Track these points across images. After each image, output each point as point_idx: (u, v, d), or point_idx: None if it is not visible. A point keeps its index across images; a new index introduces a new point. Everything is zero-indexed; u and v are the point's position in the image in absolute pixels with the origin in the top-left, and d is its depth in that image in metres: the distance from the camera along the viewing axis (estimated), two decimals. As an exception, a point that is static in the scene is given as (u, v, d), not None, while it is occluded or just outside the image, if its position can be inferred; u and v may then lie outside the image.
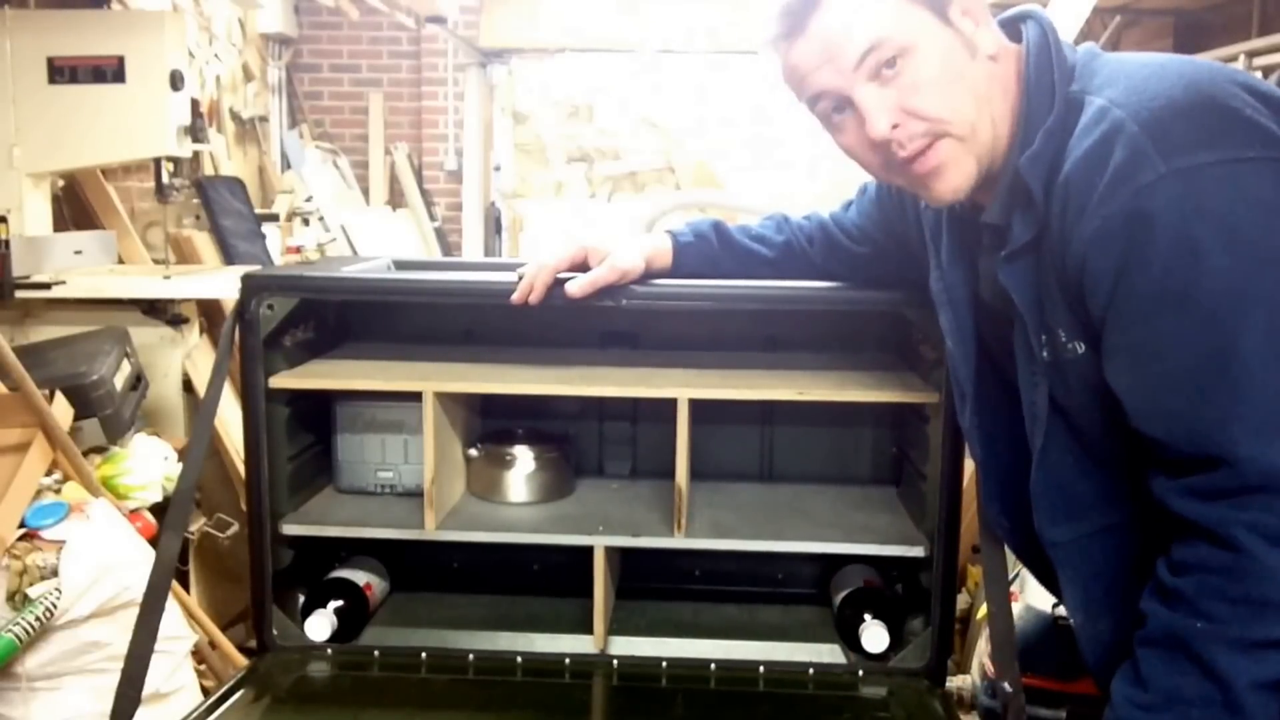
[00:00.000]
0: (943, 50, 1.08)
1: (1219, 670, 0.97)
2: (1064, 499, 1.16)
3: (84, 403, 2.72)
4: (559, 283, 1.47)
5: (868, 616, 1.56)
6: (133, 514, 2.63)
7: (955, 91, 1.09)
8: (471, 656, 1.59)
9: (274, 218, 4.77)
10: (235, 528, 3.09)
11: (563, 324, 1.79)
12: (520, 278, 1.49)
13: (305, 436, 1.72)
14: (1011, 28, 1.17)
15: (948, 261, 1.27)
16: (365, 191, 5.92)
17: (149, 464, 2.82)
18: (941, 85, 1.08)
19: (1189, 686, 0.98)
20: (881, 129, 1.09)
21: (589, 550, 1.59)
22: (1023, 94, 1.11)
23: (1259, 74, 3.21)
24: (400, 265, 1.85)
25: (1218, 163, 0.97)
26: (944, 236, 1.27)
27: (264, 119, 5.43)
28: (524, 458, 1.72)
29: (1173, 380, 1.00)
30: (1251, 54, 3.26)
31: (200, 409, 1.57)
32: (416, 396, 1.56)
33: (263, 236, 4.35)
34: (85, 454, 2.66)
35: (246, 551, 1.63)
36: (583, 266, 1.49)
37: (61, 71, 3.16)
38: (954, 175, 1.12)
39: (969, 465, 1.45)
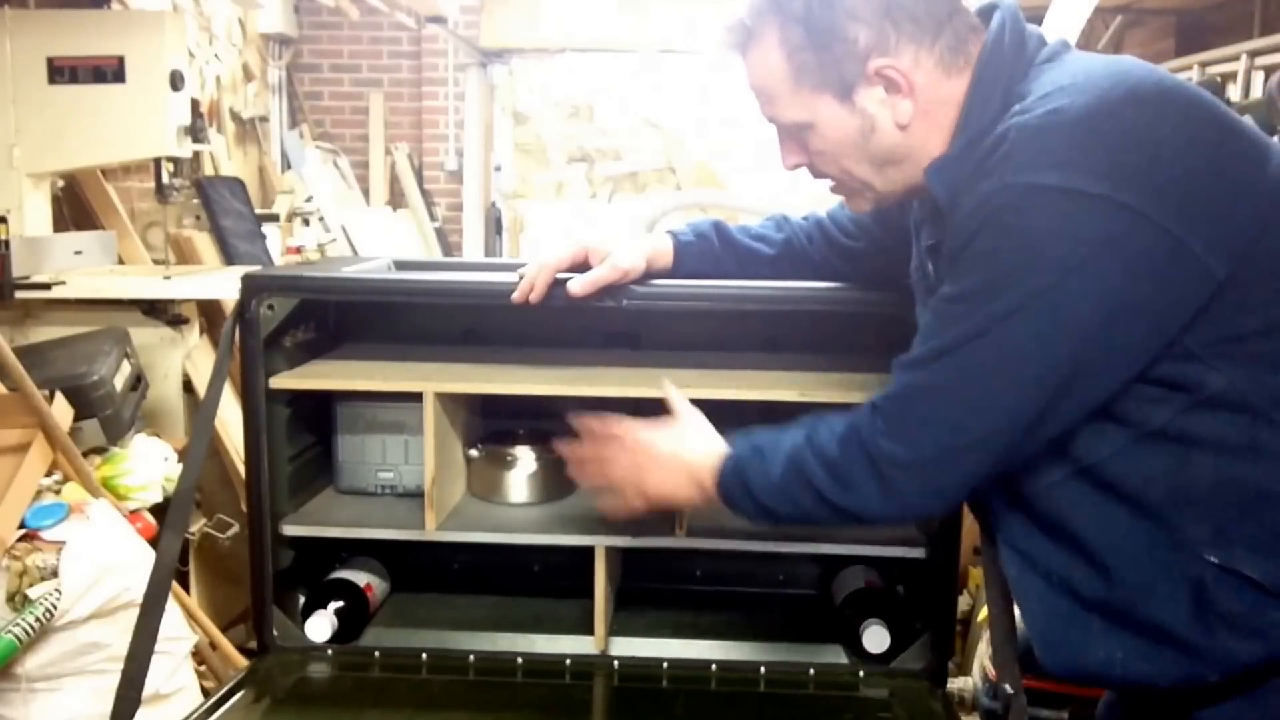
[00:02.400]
0: (837, 131, 1.17)
1: (786, 473, 1.21)
2: (1004, 477, 1.21)
3: (84, 403, 2.72)
4: (559, 282, 1.47)
5: (869, 617, 1.56)
6: (133, 514, 2.62)
7: (848, 161, 1.20)
8: (472, 657, 1.59)
9: (274, 218, 4.77)
10: (235, 528, 3.08)
11: (563, 324, 1.79)
12: (521, 278, 1.48)
13: (306, 437, 1.72)
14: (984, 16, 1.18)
15: (922, 249, 1.29)
16: (365, 192, 5.92)
17: (149, 464, 2.82)
18: (835, 157, 1.20)
19: (774, 463, 1.23)
20: (785, 167, 1.25)
21: (589, 551, 1.59)
22: (962, 115, 1.14)
23: (1261, 74, 3.21)
24: (401, 265, 1.85)
25: (1054, 188, 1.01)
26: (923, 226, 1.29)
27: (264, 119, 5.43)
28: (525, 458, 1.72)
29: (928, 323, 1.14)
30: (1253, 53, 3.26)
31: (200, 409, 1.57)
32: (417, 397, 1.56)
33: (263, 237, 4.35)
34: (85, 454, 2.65)
35: (247, 552, 1.63)
36: (583, 266, 1.49)
37: (61, 71, 3.15)
38: (853, 204, 1.29)
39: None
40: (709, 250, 1.55)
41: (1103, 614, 1.12)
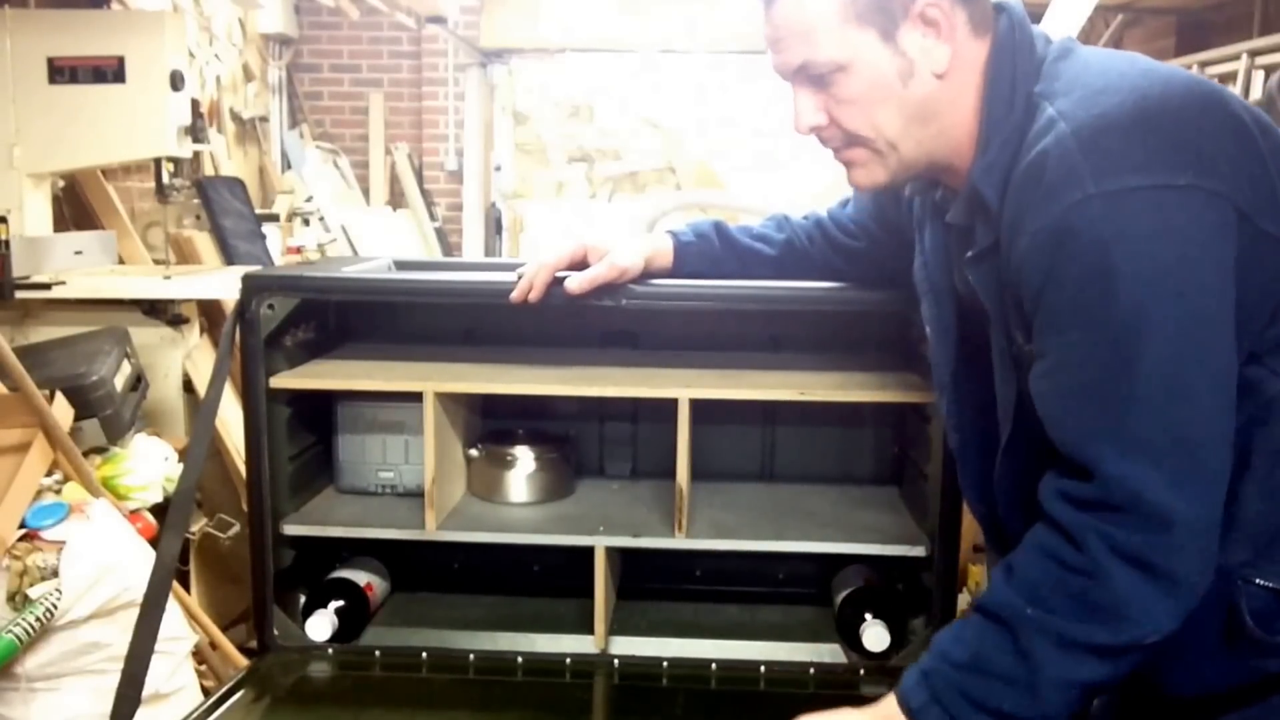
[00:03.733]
0: (876, 72, 1.10)
1: (1033, 657, 1.01)
2: (1024, 492, 1.17)
3: (84, 403, 2.72)
4: (559, 282, 1.47)
5: (869, 616, 1.56)
6: (133, 514, 2.62)
7: (881, 112, 1.12)
8: (472, 656, 1.59)
9: (274, 218, 4.77)
10: (236, 528, 3.09)
11: (563, 324, 1.79)
12: (520, 278, 1.49)
13: (306, 437, 1.72)
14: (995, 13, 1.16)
15: (930, 250, 1.28)
16: (365, 192, 5.92)
17: (149, 464, 2.82)
18: (867, 105, 1.11)
19: (1000, 662, 1.03)
20: (800, 129, 1.16)
21: (589, 550, 1.59)
22: (984, 96, 1.11)
23: (1261, 73, 3.21)
24: (401, 265, 1.85)
25: (1145, 188, 0.98)
26: (927, 225, 1.28)
27: (264, 119, 5.43)
28: (524, 458, 1.72)
29: (1071, 392, 1.03)
30: (1253, 53, 3.26)
31: (201, 409, 1.57)
32: (417, 397, 1.56)
33: (263, 237, 4.35)
34: (85, 454, 2.65)
35: (247, 552, 1.63)
36: (582, 265, 1.49)
37: (62, 72, 3.15)
38: (864, 176, 1.18)
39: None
40: (709, 250, 1.54)
41: None
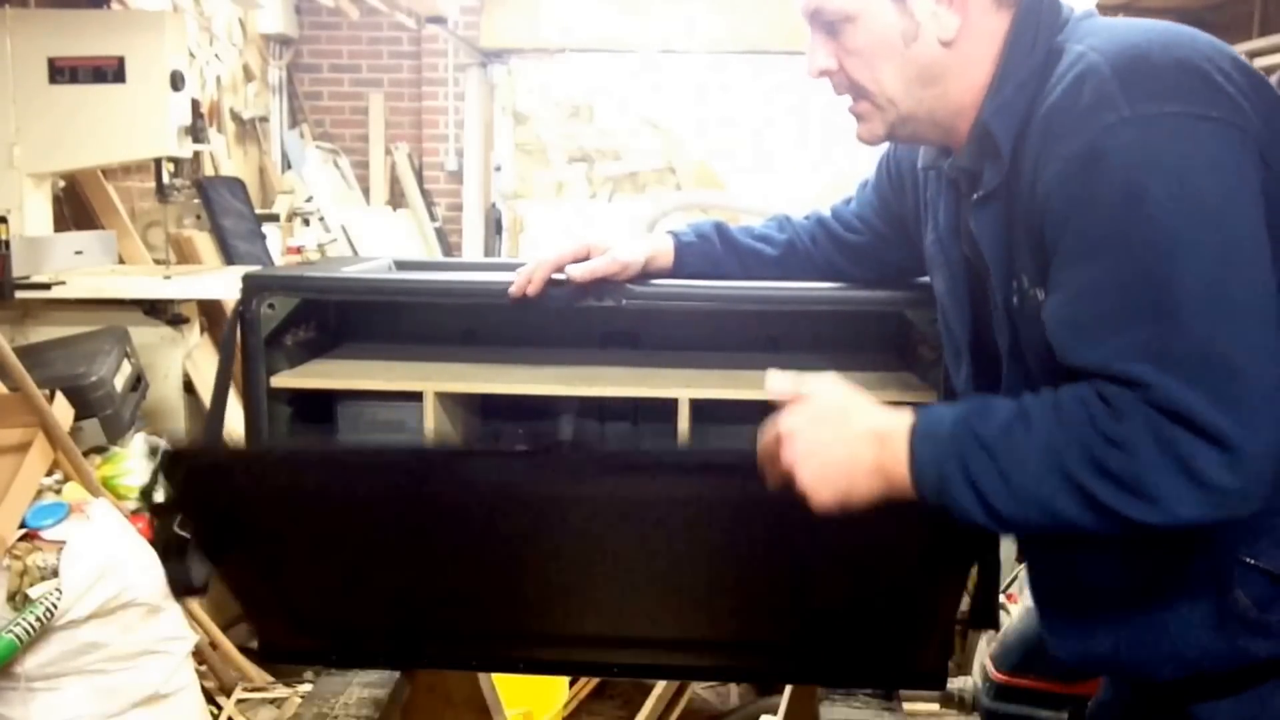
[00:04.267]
0: (881, 28, 1.12)
1: (1051, 444, 0.97)
2: None
3: (84, 403, 2.73)
4: (558, 281, 1.47)
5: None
6: (133, 514, 2.63)
7: (884, 68, 1.13)
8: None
9: (274, 218, 4.78)
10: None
11: (563, 324, 1.79)
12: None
13: (307, 436, 1.72)
14: None
15: (944, 222, 1.27)
16: (366, 192, 5.92)
17: (149, 464, 2.82)
18: (870, 59, 1.13)
19: (1021, 443, 0.98)
20: (810, 72, 1.18)
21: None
22: (1002, 55, 1.11)
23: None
24: (401, 265, 1.85)
25: (1180, 115, 0.97)
26: (941, 200, 1.27)
27: (264, 119, 5.44)
28: (525, 458, 1.72)
29: (1102, 317, 0.99)
30: (1253, 54, 3.26)
31: (210, 412, 1.57)
32: (417, 396, 1.56)
33: (263, 237, 4.35)
34: (85, 454, 2.66)
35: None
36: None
37: (62, 72, 3.16)
38: (866, 130, 1.20)
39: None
40: (710, 251, 1.54)
41: (1114, 603, 1.12)
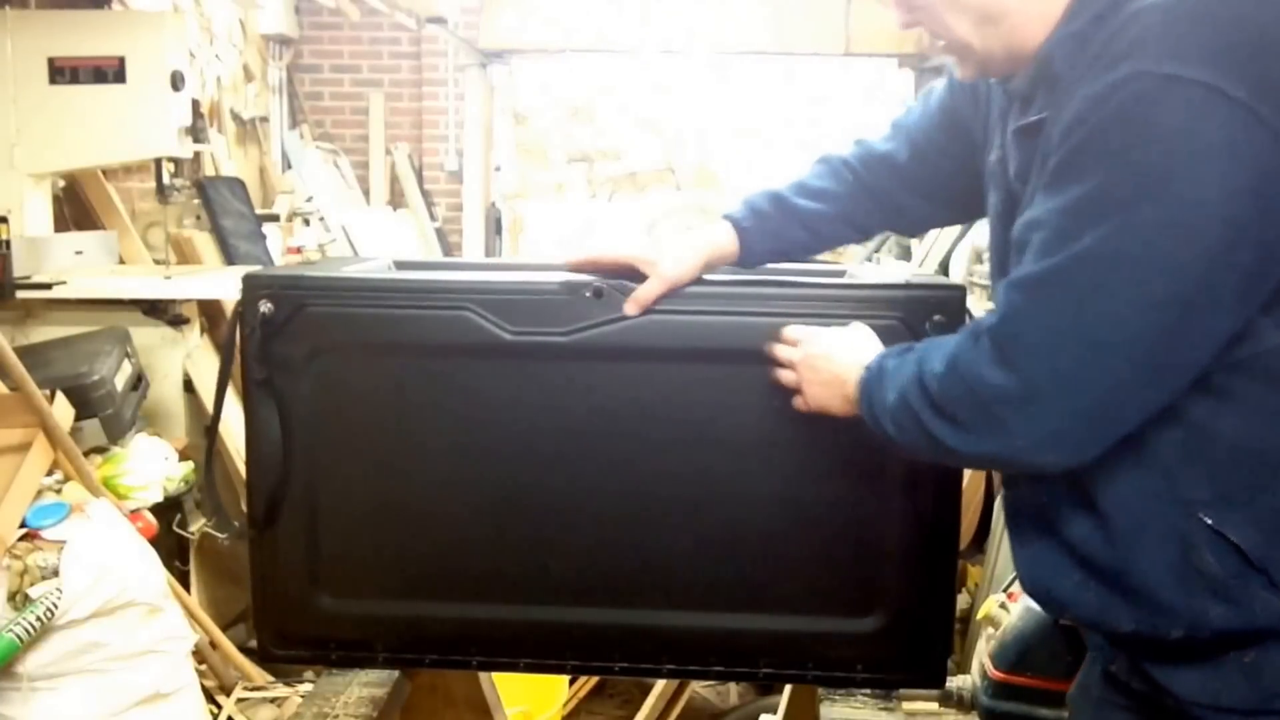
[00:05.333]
0: None
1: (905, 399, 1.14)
2: None
3: (85, 403, 2.73)
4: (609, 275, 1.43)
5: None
6: (133, 514, 2.63)
7: (947, 16, 1.14)
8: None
9: (275, 218, 4.77)
10: (237, 527, 3.09)
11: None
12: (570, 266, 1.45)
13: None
14: None
15: (1006, 144, 1.24)
16: (366, 192, 5.92)
17: (149, 464, 2.83)
18: (932, 11, 1.15)
19: (897, 380, 1.16)
20: (898, 23, 1.20)
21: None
22: None
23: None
24: (401, 265, 1.85)
25: (1199, 84, 0.95)
26: (1010, 116, 1.24)
27: (264, 119, 5.44)
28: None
29: (1024, 247, 1.06)
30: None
31: (215, 400, 1.57)
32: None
33: (263, 237, 4.35)
34: (86, 454, 2.66)
35: (247, 552, 1.63)
36: (630, 271, 1.43)
37: (62, 72, 3.16)
38: (960, 72, 1.22)
39: (969, 466, 1.46)
40: (771, 227, 1.45)
41: (1083, 546, 1.12)
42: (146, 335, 3.17)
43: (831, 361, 1.27)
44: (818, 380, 1.29)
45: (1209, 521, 1.06)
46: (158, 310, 3.21)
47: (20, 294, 3.03)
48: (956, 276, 4.07)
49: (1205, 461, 1.06)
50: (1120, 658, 1.19)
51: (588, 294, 1.42)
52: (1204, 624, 1.07)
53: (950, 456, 1.12)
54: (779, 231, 1.45)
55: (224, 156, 4.73)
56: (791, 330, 1.35)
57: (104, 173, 3.73)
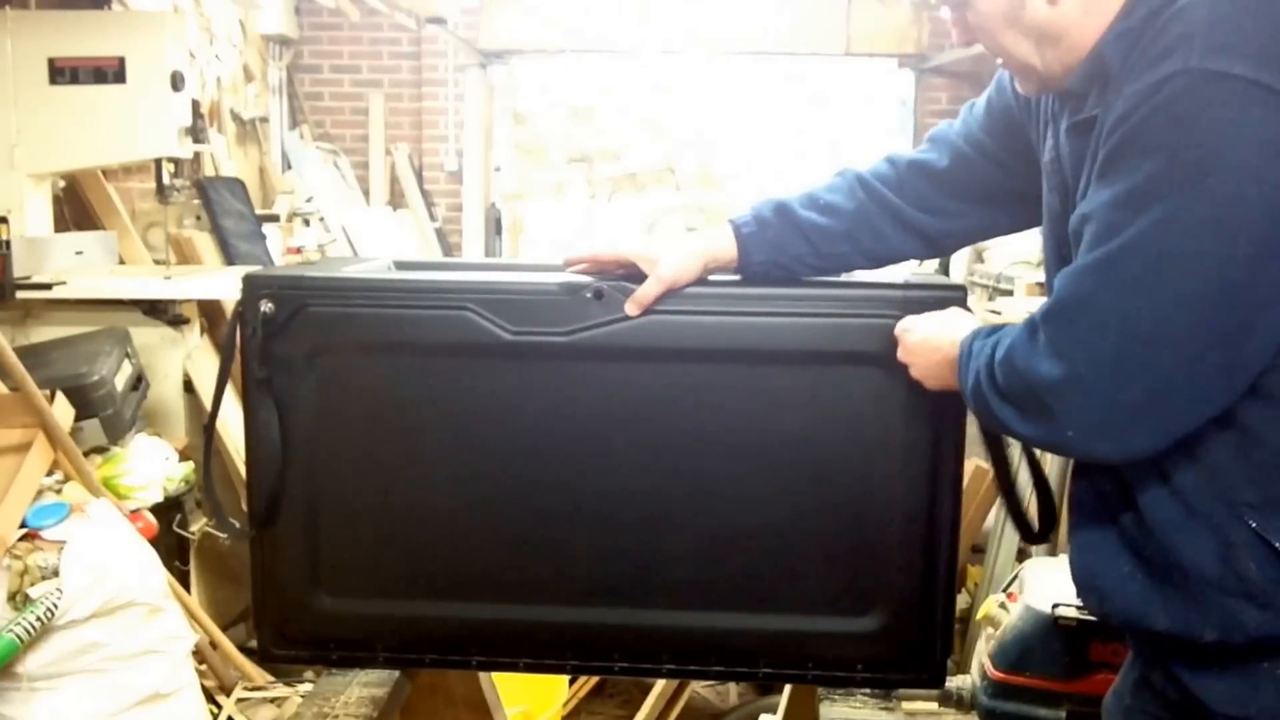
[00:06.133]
0: (990, 6, 1.15)
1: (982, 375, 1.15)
2: None
3: (85, 403, 2.73)
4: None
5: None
6: (133, 514, 2.63)
7: (1004, 37, 1.16)
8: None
9: (275, 218, 4.77)
10: (237, 527, 3.09)
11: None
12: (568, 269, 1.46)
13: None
14: None
15: (1062, 139, 1.24)
16: (365, 192, 5.92)
17: (149, 464, 2.83)
18: (991, 32, 1.17)
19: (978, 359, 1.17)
20: (955, 39, 1.23)
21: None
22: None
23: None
24: (401, 265, 1.85)
25: (1244, 80, 0.96)
26: (1061, 117, 1.25)
27: (264, 120, 5.44)
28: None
29: (1083, 247, 1.07)
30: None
31: (214, 396, 1.57)
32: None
33: (263, 237, 4.35)
34: (86, 454, 2.66)
35: (247, 552, 1.63)
36: (630, 271, 1.43)
37: (62, 72, 3.16)
38: (1022, 88, 1.25)
39: (968, 466, 1.46)
40: (772, 237, 1.44)
41: (1133, 542, 1.13)
42: (146, 335, 3.17)
43: (929, 345, 1.29)
44: (926, 365, 1.30)
45: (1252, 524, 1.06)
46: (158, 310, 3.21)
47: (20, 294, 3.03)
48: (957, 276, 4.08)
49: (1253, 465, 1.07)
50: (1155, 663, 1.19)
51: (588, 294, 1.42)
52: (1238, 628, 1.07)
53: (1021, 440, 1.19)
54: (779, 241, 1.44)
55: (224, 157, 4.73)
56: (899, 325, 1.35)
57: (104, 173, 3.73)
